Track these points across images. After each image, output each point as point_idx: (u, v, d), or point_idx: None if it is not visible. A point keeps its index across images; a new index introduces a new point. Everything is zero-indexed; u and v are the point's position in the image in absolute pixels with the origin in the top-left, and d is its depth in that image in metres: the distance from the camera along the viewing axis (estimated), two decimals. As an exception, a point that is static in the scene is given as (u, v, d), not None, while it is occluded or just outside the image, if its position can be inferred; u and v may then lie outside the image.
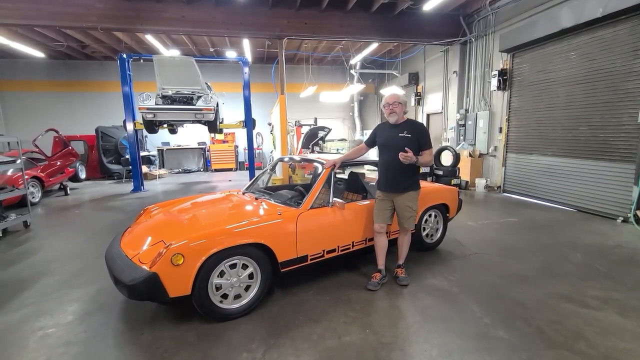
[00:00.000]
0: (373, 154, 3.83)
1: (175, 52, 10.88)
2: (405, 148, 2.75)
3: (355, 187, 3.86)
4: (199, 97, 7.40)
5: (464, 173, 8.10)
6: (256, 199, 3.32)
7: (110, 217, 5.91)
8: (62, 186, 8.50)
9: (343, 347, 2.20)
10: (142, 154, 10.90)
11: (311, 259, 2.89)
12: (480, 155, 8.23)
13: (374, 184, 3.70)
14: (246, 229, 2.55)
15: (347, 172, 4.36)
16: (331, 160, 3.22)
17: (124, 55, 8.05)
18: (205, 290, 2.35)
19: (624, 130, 5.07)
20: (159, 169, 12.27)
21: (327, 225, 2.98)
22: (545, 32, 5.94)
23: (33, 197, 6.98)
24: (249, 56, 10.60)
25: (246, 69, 8.69)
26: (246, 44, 9.83)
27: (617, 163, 5.18)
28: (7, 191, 5.05)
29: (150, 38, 9.25)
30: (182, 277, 2.25)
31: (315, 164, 3.56)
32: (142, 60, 8.31)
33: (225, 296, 2.49)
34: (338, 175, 4.37)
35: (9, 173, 6.45)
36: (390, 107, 2.90)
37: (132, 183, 8.84)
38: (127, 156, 9.96)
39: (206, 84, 7.94)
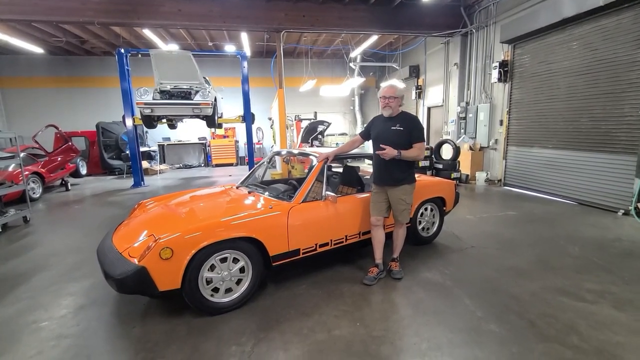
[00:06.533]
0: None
1: (174, 47, 10.84)
2: (381, 145, 2.77)
3: (350, 180, 3.83)
4: (197, 92, 7.37)
5: (465, 166, 8.04)
6: (249, 192, 3.31)
7: (110, 212, 5.93)
8: (63, 182, 8.55)
9: (332, 341, 2.19)
10: (143, 149, 10.93)
11: (303, 253, 2.87)
12: (481, 148, 8.15)
13: (369, 177, 3.69)
14: (237, 222, 2.53)
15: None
16: (324, 154, 3.18)
17: (122, 50, 8.02)
18: (195, 284, 2.35)
19: (626, 122, 4.98)
20: (160, 164, 12.30)
21: (320, 219, 2.95)
22: (547, 22, 5.82)
23: (34, 193, 7.03)
24: (247, 50, 10.53)
25: (245, 63, 8.64)
26: (245, 37, 9.76)
27: (618, 155, 5.10)
28: (6, 187, 5.08)
29: (148, 33, 9.22)
30: (171, 271, 2.24)
31: (311, 157, 3.53)
32: (140, 55, 8.30)
33: (216, 290, 2.49)
34: (334, 169, 4.36)
35: (10, 169, 6.49)
36: (386, 100, 2.86)
37: (132, 178, 8.87)
38: (128, 152, 9.98)
39: (204, 78, 7.90)
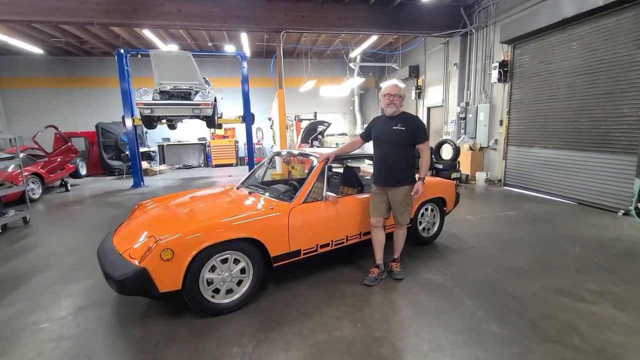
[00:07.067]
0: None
1: (173, 47, 10.83)
2: (412, 193, 2.87)
3: (350, 181, 3.83)
4: (197, 92, 7.37)
5: (465, 166, 8.04)
6: (250, 193, 3.31)
7: (110, 213, 5.93)
8: (63, 182, 8.54)
9: (333, 342, 2.19)
10: (143, 149, 10.92)
11: (304, 254, 2.87)
12: (481, 148, 8.15)
13: (370, 177, 3.68)
14: (237, 223, 2.53)
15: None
16: (324, 154, 3.18)
17: (122, 51, 8.02)
18: (196, 285, 2.34)
19: (625, 122, 4.98)
20: (160, 164, 12.29)
21: (320, 220, 2.95)
22: (547, 22, 5.82)
23: (33, 194, 7.02)
24: (247, 50, 10.53)
25: (244, 64, 8.64)
26: (244, 38, 9.75)
27: (618, 155, 5.10)
28: (5, 187, 5.07)
29: (148, 33, 9.21)
30: (172, 272, 2.24)
31: (312, 157, 3.53)
32: (139, 55, 8.29)
33: (217, 291, 2.49)
34: (334, 170, 4.36)
35: (10, 169, 6.48)
36: (391, 98, 2.86)
37: (132, 179, 8.86)
38: (127, 152, 9.97)
39: (204, 78, 7.89)
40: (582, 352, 2.04)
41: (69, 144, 8.66)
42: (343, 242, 3.12)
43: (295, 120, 11.29)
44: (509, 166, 7.34)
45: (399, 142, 2.84)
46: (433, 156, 7.94)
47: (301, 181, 3.34)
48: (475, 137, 8.27)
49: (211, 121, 8.01)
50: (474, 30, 8.07)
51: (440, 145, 8.08)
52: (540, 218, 4.99)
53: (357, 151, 3.39)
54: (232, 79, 12.54)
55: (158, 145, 12.99)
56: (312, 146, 9.00)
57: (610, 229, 4.38)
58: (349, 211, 3.14)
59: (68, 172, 8.76)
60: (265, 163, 4.16)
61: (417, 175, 2.94)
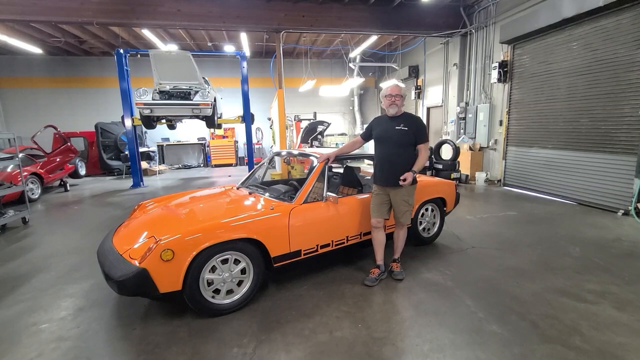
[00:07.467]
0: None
1: (173, 47, 10.81)
2: (401, 178, 2.76)
3: (350, 181, 3.82)
4: (197, 92, 7.36)
5: (464, 167, 8.04)
6: (250, 193, 3.30)
7: (109, 213, 5.92)
8: (62, 182, 8.52)
9: (334, 342, 2.18)
10: (142, 149, 10.91)
11: (305, 254, 2.86)
12: (481, 148, 8.15)
13: (370, 177, 3.68)
14: (238, 224, 2.52)
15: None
16: (325, 154, 3.17)
17: (121, 51, 8.01)
18: (196, 286, 2.34)
19: (625, 122, 4.98)
20: (159, 164, 12.27)
21: (321, 220, 2.95)
22: (547, 22, 5.82)
23: (32, 194, 7.01)
24: (247, 50, 10.52)
25: (244, 64, 8.63)
26: (244, 37, 9.74)
27: (618, 155, 5.10)
28: (4, 187, 5.06)
29: (147, 33, 9.19)
30: (172, 272, 2.23)
31: (312, 157, 3.52)
32: (139, 55, 8.29)
33: (217, 291, 2.48)
34: (335, 170, 4.35)
35: (9, 170, 6.47)
36: (393, 98, 2.86)
37: (132, 179, 8.85)
38: (127, 152, 9.94)
39: (204, 78, 7.88)
40: (583, 352, 2.04)
41: (68, 144, 8.63)
42: (343, 242, 3.11)
43: (294, 120, 11.29)
44: (509, 166, 7.34)
45: (402, 142, 2.84)
46: (433, 156, 7.94)
47: (301, 181, 3.34)
48: (475, 137, 8.27)
49: (211, 121, 8.00)
50: (473, 31, 8.07)
51: (440, 145, 8.08)
52: (540, 218, 4.99)
53: (357, 151, 3.38)
54: (232, 79, 12.54)
55: (157, 145, 12.97)
56: (311, 146, 9.00)
57: (610, 229, 4.39)
58: (349, 211, 3.13)
59: (67, 172, 8.74)
60: (265, 163, 4.15)
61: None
